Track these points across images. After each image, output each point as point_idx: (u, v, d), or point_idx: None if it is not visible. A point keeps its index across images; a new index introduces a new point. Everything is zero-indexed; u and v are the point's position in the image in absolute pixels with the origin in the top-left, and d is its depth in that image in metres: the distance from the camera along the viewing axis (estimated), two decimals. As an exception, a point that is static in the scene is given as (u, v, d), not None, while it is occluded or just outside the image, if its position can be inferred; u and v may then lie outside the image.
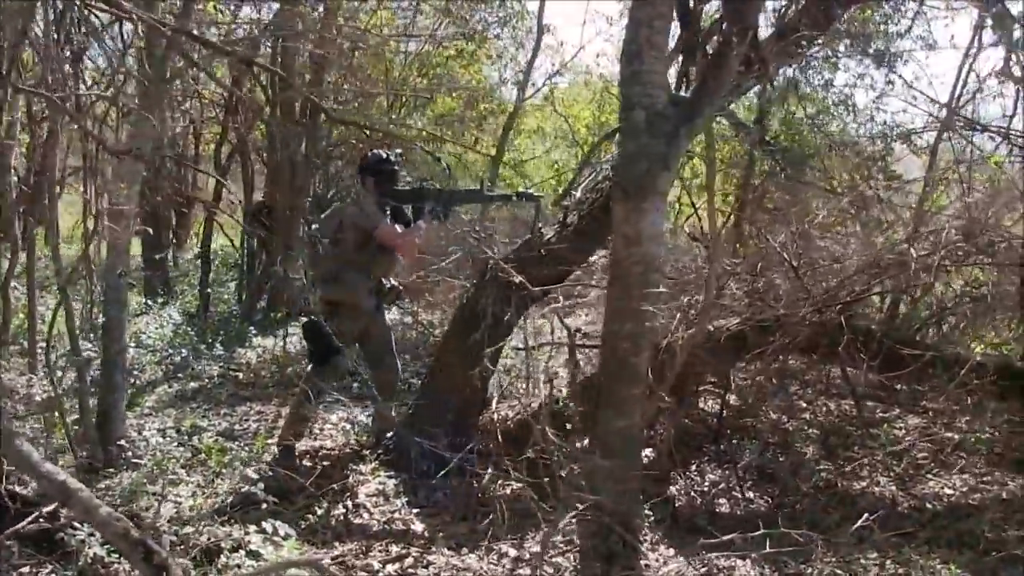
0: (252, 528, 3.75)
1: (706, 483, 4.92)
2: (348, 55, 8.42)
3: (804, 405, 6.07)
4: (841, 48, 7.99)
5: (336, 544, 4.05)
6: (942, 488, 4.87)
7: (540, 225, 5.19)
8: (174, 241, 11.02)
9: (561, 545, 4.16)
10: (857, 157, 7.64)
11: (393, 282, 5.27)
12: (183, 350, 7.21)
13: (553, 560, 4.02)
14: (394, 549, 4.01)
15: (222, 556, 3.67)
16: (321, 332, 5.00)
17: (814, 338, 4.65)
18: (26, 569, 3.72)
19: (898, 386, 6.00)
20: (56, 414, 4.73)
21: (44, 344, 6.57)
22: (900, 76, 8.03)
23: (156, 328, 7.73)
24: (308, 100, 3.90)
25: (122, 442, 4.86)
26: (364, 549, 4.00)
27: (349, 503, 4.45)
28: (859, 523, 3.56)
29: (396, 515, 4.38)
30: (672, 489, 4.80)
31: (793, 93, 8.05)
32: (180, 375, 6.84)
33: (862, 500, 4.71)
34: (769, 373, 5.17)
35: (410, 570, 3.85)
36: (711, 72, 4.19)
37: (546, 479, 3.96)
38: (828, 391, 5.49)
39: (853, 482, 4.97)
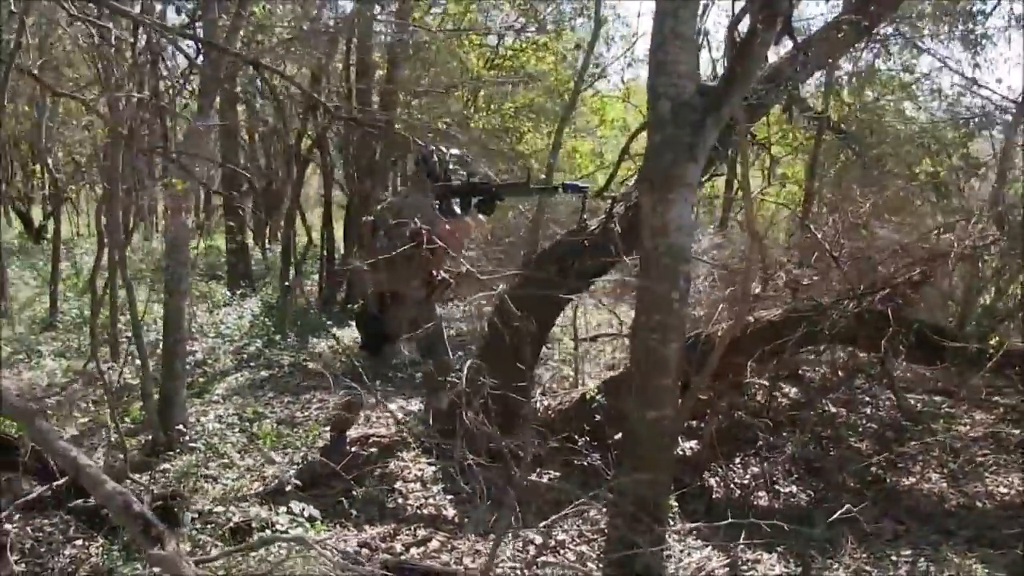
0: (283, 509, 3.90)
1: (747, 475, 4.87)
2: (423, 49, 8.58)
3: (867, 399, 5.95)
4: (926, 31, 7.74)
5: (366, 527, 4.18)
6: (997, 487, 4.70)
7: (585, 216, 5.22)
8: (266, 235, 11.38)
9: (588, 533, 4.21)
10: (936, 143, 7.37)
11: (443, 274, 5.37)
12: (258, 340, 7.49)
13: (578, 548, 4.08)
14: (421, 533, 4.11)
15: (253, 535, 3.85)
16: (373, 323, 5.17)
17: (854, 329, 4.55)
18: (79, 542, 3.99)
19: (973, 381, 5.82)
20: (105, 400, 4.99)
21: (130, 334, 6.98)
22: (972, 60, 7.67)
23: (235, 319, 8.06)
24: (309, 96, 4.00)
25: (180, 427, 5.10)
26: (392, 532, 4.12)
27: (385, 488, 4.58)
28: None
29: (430, 501, 4.49)
30: (711, 481, 4.78)
31: (869, 79, 7.82)
32: (252, 364, 7.11)
33: (907, 497, 4.60)
34: (816, 365, 5.06)
35: (433, 553, 3.95)
36: (739, 60, 4.15)
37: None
38: (895, 386, 5.34)
39: (903, 478, 4.84)
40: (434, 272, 5.30)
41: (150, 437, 5.23)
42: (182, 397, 5.37)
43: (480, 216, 5.26)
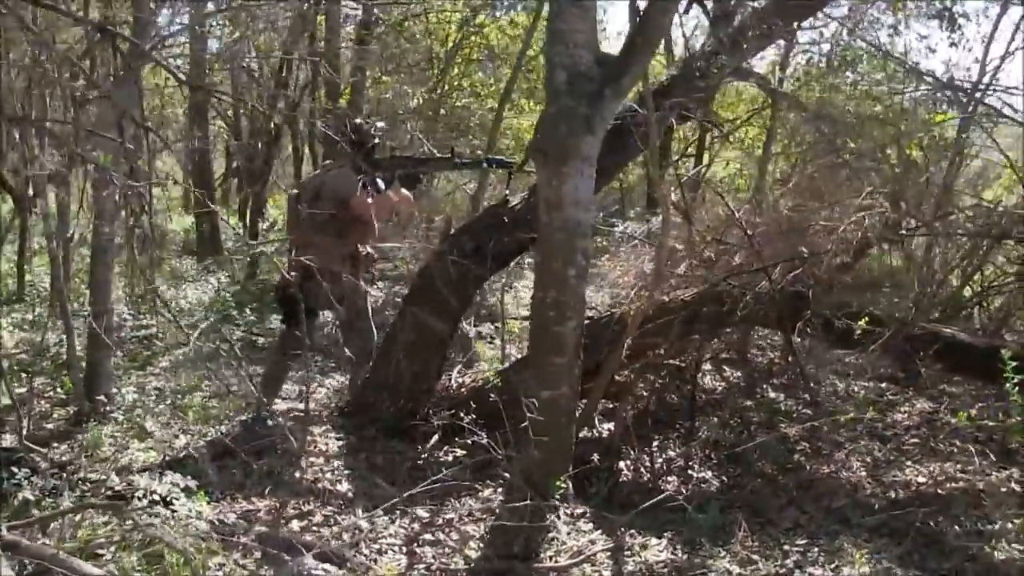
0: (166, 479, 3.85)
1: (661, 460, 4.76)
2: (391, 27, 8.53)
3: (811, 385, 5.82)
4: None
5: (254, 500, 4.13)
6: (916, 476, 4.55)
7: (507, 192, 5.13)
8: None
9: (478, 512, 4.14)
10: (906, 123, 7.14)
11: (368, 249, 5.31)
12: (214, 315, 7.49)
13: (464, 527, 4.01)
14: (305, 508, 4.07)
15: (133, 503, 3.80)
16: (292, 296, 5.13)
17: (766, 310, 4.43)
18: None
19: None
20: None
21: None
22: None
23: (197, 294, 8.06)
24: (160, 66, 3.92)
25: (102, 397, 5.11)
26: (279, 506, 4.07)
27: (286, 461, 4.54)
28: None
29: (327, 475, 4.44)
30: (621, 464, 4.67)
31: (844, 56, 7.64)
32: (203, 338, 7.10)
33: (821, 485, 4.47)
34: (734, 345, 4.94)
35: (314, 527, 3.90)
36: (639, 30, 4.03)
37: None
38: (803, 369, 5.20)
39: (823, 466, 4.71)
40: (359, 247, 5.25)
41: (75, 408, 5.26)
42: (108, 368, 5.36)
43: (404, 191, 5.19)
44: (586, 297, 6.39)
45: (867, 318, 4.09)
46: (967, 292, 6.45)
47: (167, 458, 4.59)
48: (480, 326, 6.91)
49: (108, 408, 5.10)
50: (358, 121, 5.29)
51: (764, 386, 5.74)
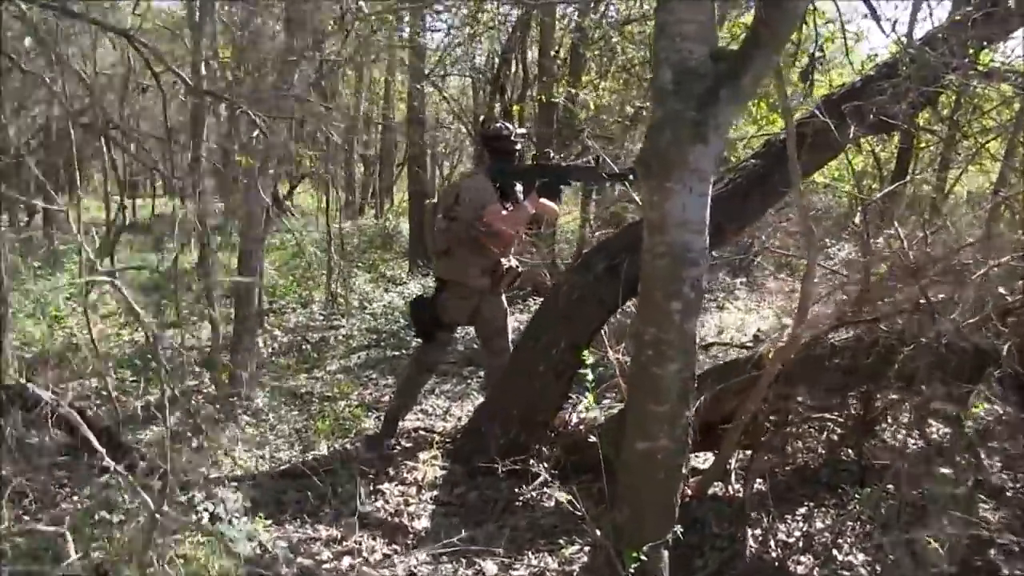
0: (228, 495, 3.70)
1: (800, 532, 3.95)
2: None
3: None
4: None
5: (319, 527, 3.87)
6: None
7: (651, 208, 4.52)
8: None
9: (552, 573, 3.62)
10: None
11: (512, 262, 4.92)
12: (402, 320, 7.42)
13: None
14: (367, 543, 3.74)
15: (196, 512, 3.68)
16: (425, 309, 4.88)
17: (937, 364, 3.52)
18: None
19: None
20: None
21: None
22: None
23: (393, 298, 8.05)
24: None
25: (234, 399, 5.12)
26: (340, 537, 3.78)
27: (372, 487, 4.26)
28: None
29: (408, 508, 4.09)
30: (748, 533, 3.93)
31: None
32: (382, 344, 7.03)
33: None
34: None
35: (366, 566, 3.57)
36: (765, 20, 3.31)
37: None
38: (966, 442, 4.14)
39: (1018, 568, 3.70)
40: (500, 260, 4.87)
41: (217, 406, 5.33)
42: (251, 371, 5.38)
43: (544, 200, 4.75)
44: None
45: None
46: None
47: (275, 469, 4.50)
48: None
49: (238, 411, 5.11)
50: (498, 126, 4.92)
51: (978, 451, 4.68)
